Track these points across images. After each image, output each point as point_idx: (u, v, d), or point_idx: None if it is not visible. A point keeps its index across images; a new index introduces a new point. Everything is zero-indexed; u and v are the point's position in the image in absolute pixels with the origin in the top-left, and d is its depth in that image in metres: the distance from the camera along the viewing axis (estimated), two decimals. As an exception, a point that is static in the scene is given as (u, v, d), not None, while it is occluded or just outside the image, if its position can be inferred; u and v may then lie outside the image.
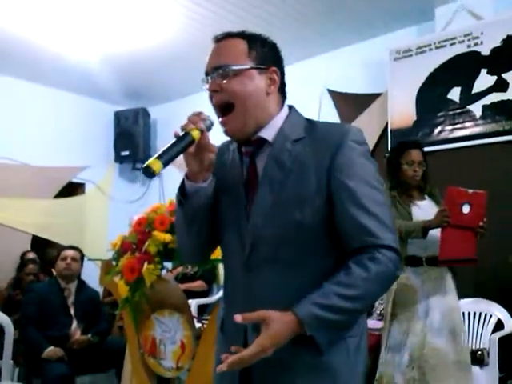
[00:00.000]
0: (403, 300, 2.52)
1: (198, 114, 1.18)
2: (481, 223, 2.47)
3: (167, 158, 1.11)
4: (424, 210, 2.64)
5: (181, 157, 1.17)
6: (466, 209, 2.40)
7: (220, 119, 1.22)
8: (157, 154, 1.11)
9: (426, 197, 2.74)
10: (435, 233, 2.50)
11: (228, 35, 1.24)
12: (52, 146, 5.60)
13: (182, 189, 1.23)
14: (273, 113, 1.24)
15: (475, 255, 2.52)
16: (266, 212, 1.18)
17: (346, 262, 1.14)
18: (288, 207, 1.17)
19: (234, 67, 1.19)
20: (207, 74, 1.23)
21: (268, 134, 1.23)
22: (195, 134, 1.14)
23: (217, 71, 1.20)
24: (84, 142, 5.92)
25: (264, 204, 1.19)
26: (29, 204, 5.37)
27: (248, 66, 1.20)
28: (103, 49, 4.71)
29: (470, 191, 2.43)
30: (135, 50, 4.74)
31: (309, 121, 1.26)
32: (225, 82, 1.19)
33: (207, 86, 1.23)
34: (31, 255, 4.99)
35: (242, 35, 1.24)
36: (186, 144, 1.14)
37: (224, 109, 1.21)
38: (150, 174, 1.08)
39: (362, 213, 1.13)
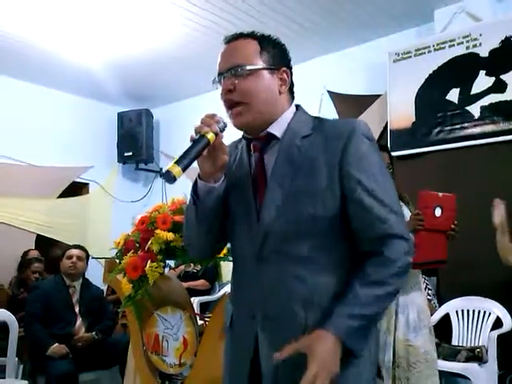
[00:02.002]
0: None
1: (212, 117, 1.20)
2: (452, 226, 2.50)
3: (186, 163, 1.14)
4: None
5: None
6: (438, 212, 2.41)
7: (230, 111, 1.24)
8: (175, 159, 1.14)
9: None
10: None
11: (240, 36, 1.27)
12: (56, 146, 5.65)
13: (195, 188, 1.26)
14: (282, 111, 1.27)
15: (446, 257, 2.55)
16: (276, 206, 1.20)
17: (363, 257, 1.17)
18: (299, 201, 1.18)
19: (248, 67, 1.21)
20: (220, 74, 1.25)
21: (276, 129, 1.25)
22: (210, 136, 1.17)
23: (230, 71, 1.22)
24: (88, 142, 5.96)
25: (274, 199, 1.20)
26: (33, 203, 5.41)
27: (260, 66, 1.23)
28: (106, 51, 4.75)
29: (441, 194, 2.43)
30: (138, 52, 4.78)
31: (316, 118, 1.29)
32: (238, 81, 1.21)
33: (219, 85, 1.26)
34: (35, 253, 5.02)
35: (253, 36, 1.27)
36: (202, 147, 1.17)
37: (235, 104, 1.23)
38: (170, 178, 1.11)
39: (376, 203, 1.16)
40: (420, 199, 2.42)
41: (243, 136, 1.33)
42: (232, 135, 1.34)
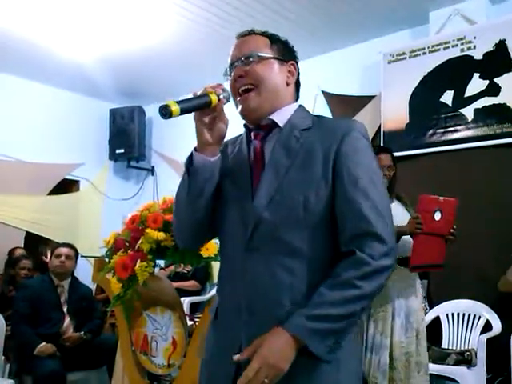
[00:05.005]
0: (378, 299, 2.51)
1: (218, 84, 1.24)
2: (451, 230, 2.50)
3: (185, 106, 1.15)
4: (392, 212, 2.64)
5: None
6: (437, 216, 2.41)
7: (238, 98, 1.27)
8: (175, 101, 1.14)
9: (394, 200, 2.73)
10: (406, 235, 2.53)
11: (251, 32, 1.34)
12: (47, 142, 5.60)
13: (190, 160, 1.25)
14: (286, 102, 1.31)
15: (443, 261, 2.54)
16: (270, 194, 1.20)
17: (340, 257, 1.15)
18: (293, 190, 1.19)
19: (259, 53, 1.27)
20: (232, 64, 1.30)
21: (279, 119, 1.28)
22: (213, 98, 1.19)
23: (242, 60, 1.28)
24: (79, 139, 5.91)
25: (269, 186, 1.21)
26: (23, 200, 5.37)
27: (271, 55, 1.29)
28: (100, 47, 4.71)
29: (441, 198, 2.44)
30: (131, 48, 4.74)
31: (316, 116, 1.33)
32: (249, 67, 1.26)
33: (230, 77, 1.30)
34: (21, 251, 4.97)
35: (263, 33, 1.34)
36: (203, 102, 1.18)
37: (244, 91, 1.27)
38: (166, 113, 1.13)
39: (361, 197, 1.15)
40: (420, 202, 2.42)
41: (244, 125, 1.34)
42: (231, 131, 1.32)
